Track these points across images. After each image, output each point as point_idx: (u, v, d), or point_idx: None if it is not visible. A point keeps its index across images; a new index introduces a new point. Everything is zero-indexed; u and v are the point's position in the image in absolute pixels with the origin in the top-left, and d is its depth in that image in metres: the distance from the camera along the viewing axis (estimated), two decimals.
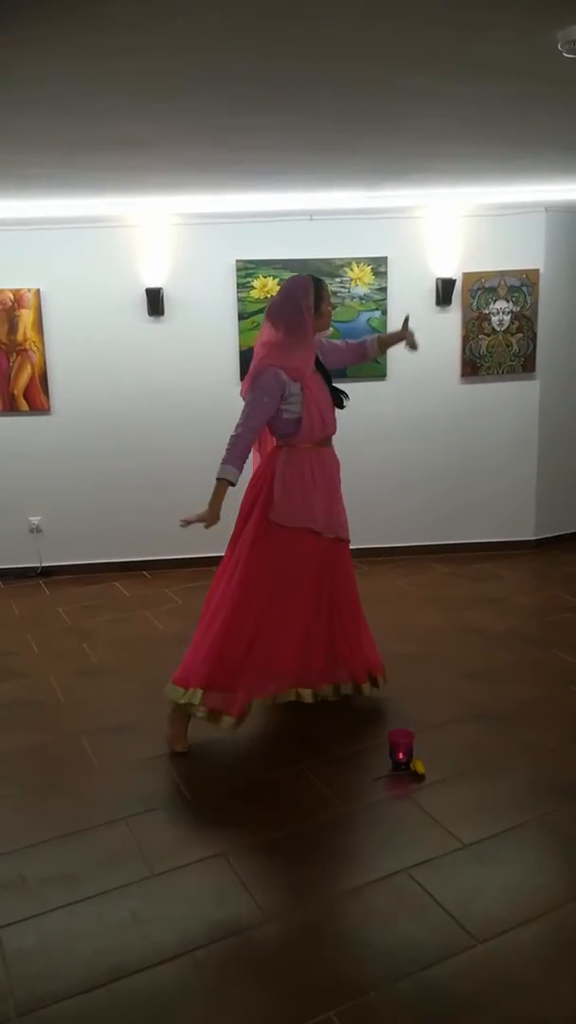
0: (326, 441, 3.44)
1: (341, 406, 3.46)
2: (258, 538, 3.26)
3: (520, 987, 2.08)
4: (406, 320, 3.58)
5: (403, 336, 3.57)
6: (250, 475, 3.41)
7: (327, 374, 3.42)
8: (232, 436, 3.19)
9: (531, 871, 2.53)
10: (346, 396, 3.48)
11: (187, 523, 3.19)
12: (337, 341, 3.79)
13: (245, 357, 4.95)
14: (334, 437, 3.51)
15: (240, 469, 3.18)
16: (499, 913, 2.32)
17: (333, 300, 5.20)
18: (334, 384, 3.44)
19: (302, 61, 2.26)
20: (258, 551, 3.25)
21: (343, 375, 5.34)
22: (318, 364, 3.38)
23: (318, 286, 3.28)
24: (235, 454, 3.16)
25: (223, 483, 3.15)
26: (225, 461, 3.16)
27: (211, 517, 3.16)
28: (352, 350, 3.67)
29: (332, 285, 5.22)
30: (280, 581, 3.27)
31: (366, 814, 2.82)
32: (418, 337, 3.58)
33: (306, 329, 3.22)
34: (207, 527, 3.17)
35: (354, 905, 2.39)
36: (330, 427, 3.42)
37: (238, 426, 3.20)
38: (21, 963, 2.19)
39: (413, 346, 3.56)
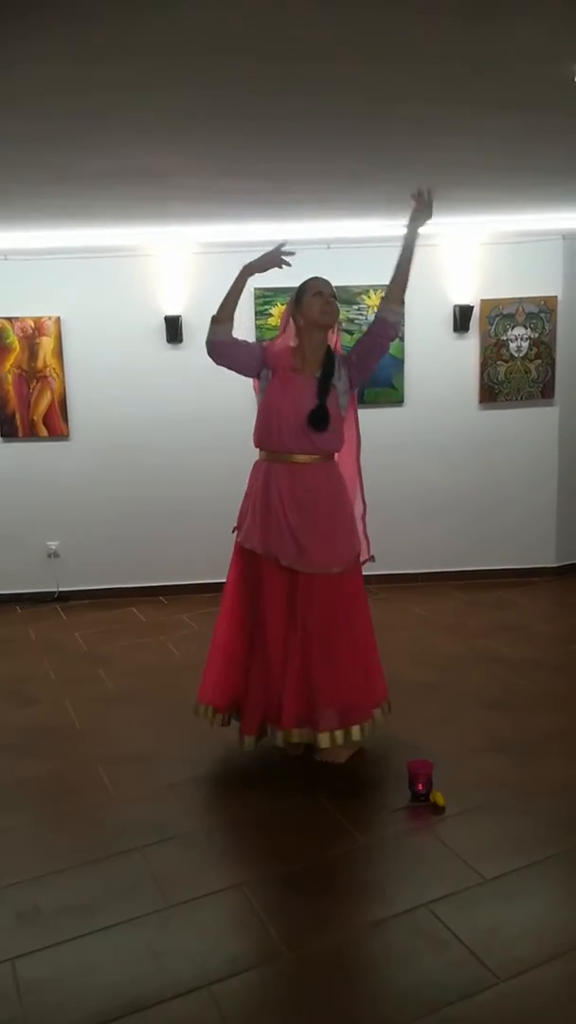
0: (283, 456, 3.11)
1: (316, 426, 3.06)
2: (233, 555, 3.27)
3: None
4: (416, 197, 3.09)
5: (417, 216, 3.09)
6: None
7: (323, 389, 3.09)
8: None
9: (555, 908, 2.47)
10: (322, 419, 3.06)
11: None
12: (359, 340, 3.29)
13: None
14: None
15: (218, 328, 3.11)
16: (522, 951, 2.26)
17: (351, 327, 5.26)
18: (324, 403, 3.08)
19: (319, 95, 2.29)
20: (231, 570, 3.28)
21: (361, 401, 5.36)
22: (323, 378, 3.10)
23: (305, 281, 3.17)
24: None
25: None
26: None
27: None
28: (366, 337, 3.19)
29: (349, 312, 5.26)
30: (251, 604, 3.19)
31: (385, 846, 2.77)
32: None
33: (284, 320, 3.25)
34: None
35: (373, 940, 2.34)
36: (287, 443, 3.08)
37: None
38: (36, 994, 2.16)
39: (422, 208, 3.08)
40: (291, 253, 3.16)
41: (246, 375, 3.24)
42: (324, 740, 3.10)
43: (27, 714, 3.84)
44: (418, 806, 2.96)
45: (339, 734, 3.11)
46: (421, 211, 3.10)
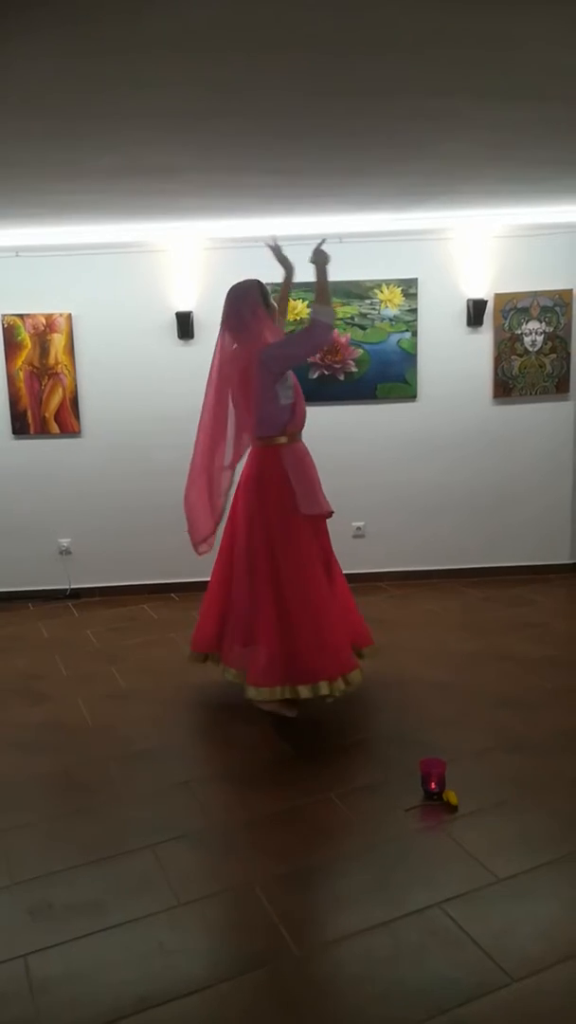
0: (299, 434, 3.63)
1: None
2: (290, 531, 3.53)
3: None
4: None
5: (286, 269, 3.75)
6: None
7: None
8: (308, 341, 3.52)
9: (568, 907, 2.44)
10: None
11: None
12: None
13: None
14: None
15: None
16: (535, 951, 2.24)
17: (363, 322, 5.23)
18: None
19: (332, 90, 2.26)
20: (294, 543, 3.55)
21: (374, 396, 5.34)
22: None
23: (262, 286, 3.57)
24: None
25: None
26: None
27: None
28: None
29: (361, 307, 5.23)
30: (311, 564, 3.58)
31: (397, 845, 2.75)
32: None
33: (261, 326, 3.49)
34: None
35: (385, 939, 2.32)
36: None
37: (295, 345, 3.55)
38: (48, 991, 2.16)
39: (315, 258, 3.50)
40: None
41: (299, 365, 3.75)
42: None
43: (39, 711, 3.85)
44: (431, 805, 2.94)
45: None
46: (316, 258, 3.50)
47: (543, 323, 5.38)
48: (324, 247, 3.52)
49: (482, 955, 2.22)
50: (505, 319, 5.35)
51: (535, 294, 5.35)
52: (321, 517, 3.59)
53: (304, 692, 3.42)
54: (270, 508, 3.50)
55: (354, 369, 5.31)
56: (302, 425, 3.62)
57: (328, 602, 3.57)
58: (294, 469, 3.51)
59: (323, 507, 3.57)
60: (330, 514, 3.61)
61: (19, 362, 5.21)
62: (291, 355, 3.52)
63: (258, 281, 3.58)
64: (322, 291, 3.47)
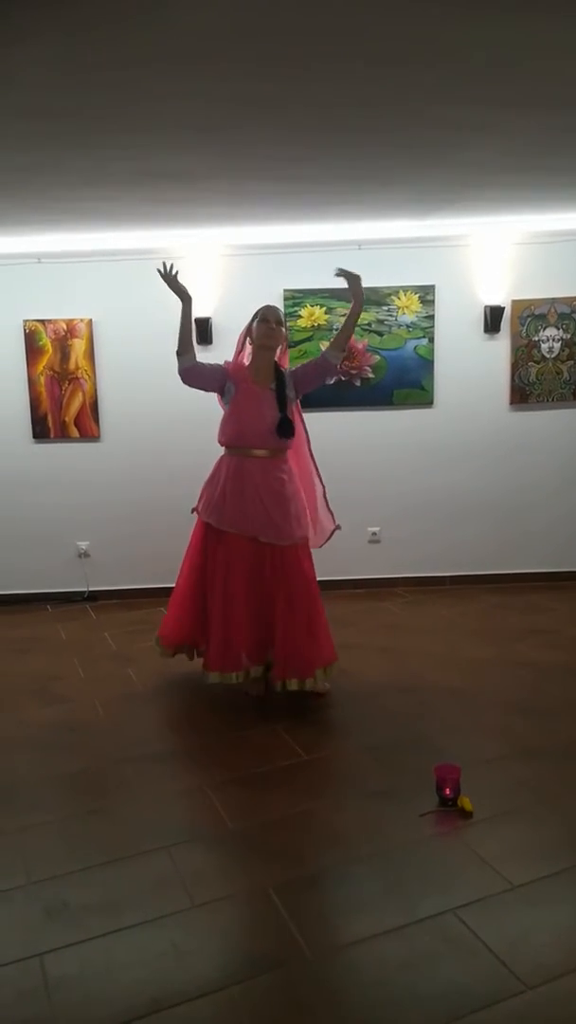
0: (249, 451, 3.74)
1: (283, 435, 3.70)
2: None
3: None
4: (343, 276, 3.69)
5: (351, 291, 3.71)
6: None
7: (282, 402, 3.70)
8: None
9: None
10: (289, 428, 3.70)
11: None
12: (306, 364, 3.95)
13: None
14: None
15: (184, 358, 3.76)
16: (549, 958, 2.23)
17: (380, 328, 5.24)
18: (286, 414, 3.71)
19: (350, 101, 2.29)
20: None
21: (390, 402, 5.35)
22: (279, 390, 3.72)
23: (260, 309, 3.78)
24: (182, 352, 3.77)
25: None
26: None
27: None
28: (311, 367, 3.84)
29: (379, 313, 5.25)
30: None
31: (411, 851, 2.76)
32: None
33: (240, 341, 3.88)
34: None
35: (398, 944, 2.32)
36: (255, 441, 3.71)
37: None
38: (63, 990, 2.18)
39: (351, 278, 3.67)
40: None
41: (211, 391, 3.88)
42: (304, 683, 3.70)
43: (56, 712, 3.88)
44: (445, 811, 2.94)
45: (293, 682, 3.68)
46: (351, 281, 3.68)
47: (560, 330, 5.37)
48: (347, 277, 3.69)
49: (496, 962, 2.22)
50: (522, 326, 5.35)
51: (552, 301, 5.34)
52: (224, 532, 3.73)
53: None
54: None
55: (371, 375, 5.32)
56: (237, 441, 3.75)
57: (224, 606, 3.72)
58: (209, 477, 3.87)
59: (213, 518, 3.75)
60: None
61: (40, 367, 5.27)
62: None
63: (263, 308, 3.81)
64: (347, 334, 3.76)
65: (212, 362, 3.85)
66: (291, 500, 3.74)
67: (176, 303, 3.79)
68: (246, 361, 3.83)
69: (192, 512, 3.92)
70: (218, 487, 3.77)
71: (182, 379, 3.81)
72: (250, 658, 3.71)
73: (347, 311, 3.79)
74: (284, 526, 3.69)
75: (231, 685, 3.75)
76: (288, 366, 3.95)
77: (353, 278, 3.67)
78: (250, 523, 3.68)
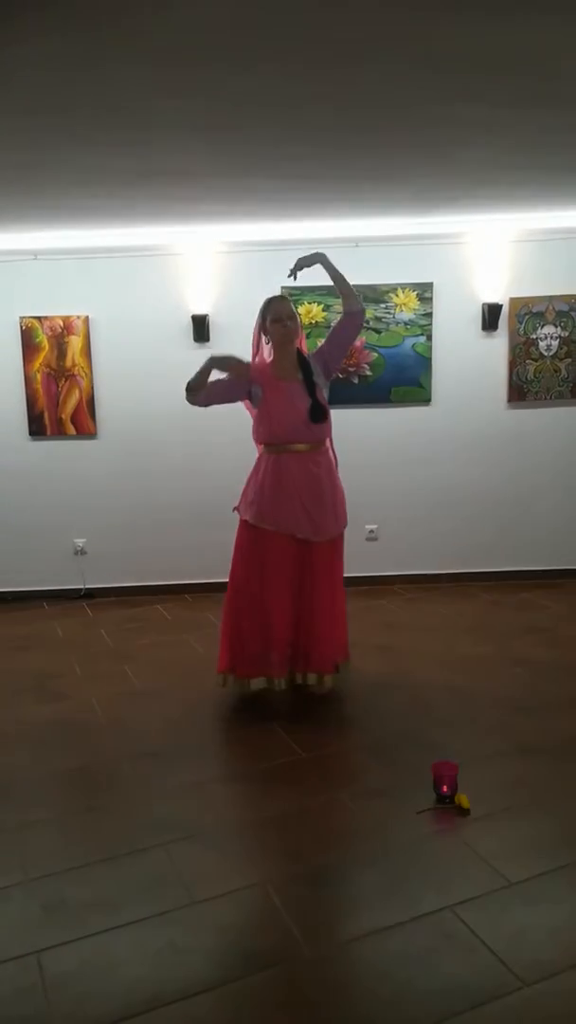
0: (287, 448, 3.65)
1: (316, 420, 3.61)
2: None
3: None
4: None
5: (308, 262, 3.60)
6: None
7: (311, 388, 3.61)
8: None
9: None
10: (321, 412, 3.61)
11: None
12: (329, 334, 3.81)
13: None
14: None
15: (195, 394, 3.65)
16: (547, 955, 2.24)
17: (378, 326, 5.24)
18: (317, 399, 3.61)
19: (346, 97, 2.28)
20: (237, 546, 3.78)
21: (388, 400, 5.35)
22: (307, 379, 3.61)
23: (267, 304, 3.67)
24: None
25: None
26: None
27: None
28: (336, 331, 3.71)
29: (377, 311, 5.25)
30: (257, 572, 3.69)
31: (408, 848, 2.76)
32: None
33: (255, 341, 3.74)
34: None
35: (396, 942, 2.33)
36: (291, 436, 3.63)
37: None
38: (61, 987, 2.18)
39: (308, 261, 3.59)
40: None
41: (237, 400, 3.76)
42: (322, 679, 3.73)
43: (54, 709, 3.88)
44: (443, 808, 2.95)
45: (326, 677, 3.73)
46: (310, 261, 3.59)
47: (558, 327, 5.37)
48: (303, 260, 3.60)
49: (494, 959, 2.22)
50: (520, 323, 5.35)
51: (550, 298, 5.35)
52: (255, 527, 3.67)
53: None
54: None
55: (369, 372, 5.32)
56: (272, 439, 3.67)
57: (248, 606, 3.70)
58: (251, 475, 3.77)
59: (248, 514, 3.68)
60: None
61: (37, 364, 5.26)
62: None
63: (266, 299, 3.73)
64: (341, 282, 3.61)
65: (221, 376, 3.66)
66: (329, 494, 3.67)
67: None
68: (267, 358, 3.72)
69: (233, 511, 3.81)
70: (257, 484, 3.70)
71: (197, 405, 3.71)
72: (283, 663, 3.70)
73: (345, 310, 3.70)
74: (321, 523, 3.64)
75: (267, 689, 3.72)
76: (308, 350, 3.81)
77: (311, 258, 3.57)
78: (288, 521, 3.61)
